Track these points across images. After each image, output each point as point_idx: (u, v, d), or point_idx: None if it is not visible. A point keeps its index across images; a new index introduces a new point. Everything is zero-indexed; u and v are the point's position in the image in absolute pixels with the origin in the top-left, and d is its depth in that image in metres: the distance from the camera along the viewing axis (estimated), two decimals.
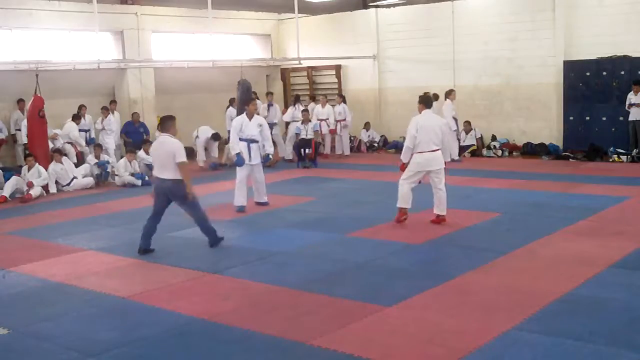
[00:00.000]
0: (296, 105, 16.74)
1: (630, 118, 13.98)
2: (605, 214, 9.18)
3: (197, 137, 15.86)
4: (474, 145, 16.13)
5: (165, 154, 7.82)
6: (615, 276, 6.44)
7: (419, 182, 8.79)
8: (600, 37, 14.59)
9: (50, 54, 15.16)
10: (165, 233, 9.06)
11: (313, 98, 17.82)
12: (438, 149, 8.62)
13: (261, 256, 7.66)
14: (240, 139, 10.22)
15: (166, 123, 8.11)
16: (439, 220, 8.73)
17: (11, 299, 6.57)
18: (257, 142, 10.25)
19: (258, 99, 16.98)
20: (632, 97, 13.86)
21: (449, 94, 15.21)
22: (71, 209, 11.15)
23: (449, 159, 9.77)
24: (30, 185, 12.19)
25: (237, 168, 10.28)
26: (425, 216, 8.93)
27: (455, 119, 15.24)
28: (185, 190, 7.80)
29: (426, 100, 8.84)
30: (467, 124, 16.34)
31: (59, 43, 15.59)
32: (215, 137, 15.92)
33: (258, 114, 11.20)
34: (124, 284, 6.80)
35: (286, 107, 18.27)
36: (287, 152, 16.48)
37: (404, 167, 8.77)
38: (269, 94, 17.17)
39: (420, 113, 8.74)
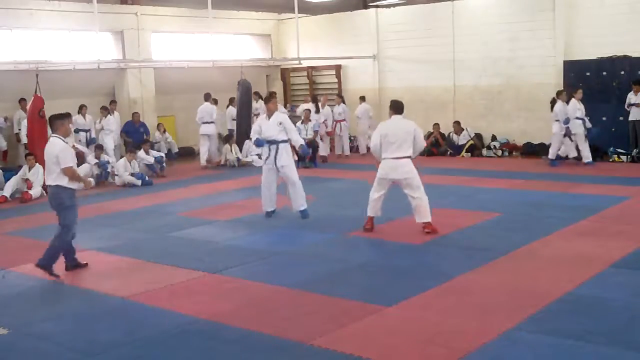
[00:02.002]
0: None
1: (631, 118, 13.97)
2: (605, 214, 9.18)
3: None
4: (470, 141, 16.10)
5: (49, 158, 7.08)
6: (615, 276, 6.45)
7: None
8: (600, 37, 14.58)
9: (50, 54, 15.16)
10: (165, 233, 9.08)
11: (315, 99, 17.78)
12: (404, 157, 8.19)
13: (261, 256, 7.66)
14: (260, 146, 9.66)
15: (54, 123, 7.27)
16: (424, 228, 8.28)
17: (11, 299, 6.57)
18: (278, 142, 9.44)
19: (262, 98, 17.00)
20: (632, 97, 13.85)
21: (560, 94, 13.86)
22: None
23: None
24: (30, 185, 12.18)
25: (264, 172, 9.65)
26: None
27: (582, 118, 13.80)
28: (66, 199, 7.15)
29: (396, 106, 8.41)
30: (457, 124, 16.37)
31: (59, 43, 15.59)
32: (226, 138, 15.91)
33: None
34: (124, 284, 6.80)
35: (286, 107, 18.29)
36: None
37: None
38: (272, 93, 17.16)
39: (390, 117, 8.43)
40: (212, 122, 15.98)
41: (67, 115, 7.61)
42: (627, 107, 13.95)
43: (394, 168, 8.23)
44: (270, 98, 9.97)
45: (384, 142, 8.22)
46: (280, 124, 9.47)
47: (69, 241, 7.32)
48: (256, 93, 16.92)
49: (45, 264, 7.10)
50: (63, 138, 7.22)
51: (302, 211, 9.49)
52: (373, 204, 8.51)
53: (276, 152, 9.39)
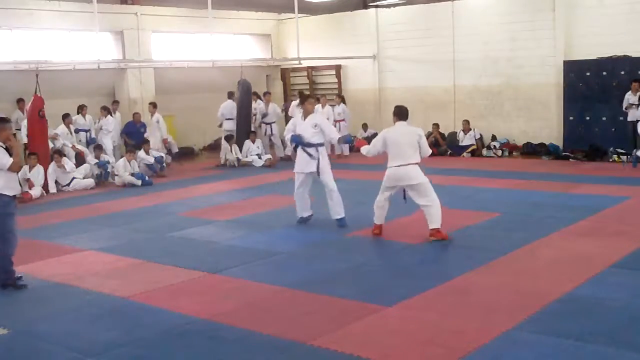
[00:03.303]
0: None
1: (630, 118, 13.94)
2: (605, 214, 9.18)
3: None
4: (473, 145, 16.12)
5: None
6: (615, 276, 6.44)
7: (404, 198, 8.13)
8: (600, 37, 14.58)
9: (50, 54, 15.16)
10: (165, 233, 9.08)
11: (317, 99, 17.75)
12: (410, 164, 7.88)
13: (261, 256, 7.66)
14: (295, 145, 9.17)
15: None
16: (432, 234, 7.94)
17: (11, 299, 6.57)
18: (315, 145, 8.94)
19: (260, 98, 17.01)
20: (630, 97, 13.82)
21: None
22: (71, 209, 11.15)
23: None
24: (31, 185, 12.19)
25: (296, 175, 9.20)
26: (424, 217, 8.91)
27: None
28: (5, 207, 6.67)
29: (400, 112, 8.12)
30: (466, 123, 16.34)
31: (59, 43, 15.59)
32: (227, 138, 15.92)
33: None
34: (124, 284, 6.79)
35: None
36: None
37: (359, 143, 8.80)
38: (267, 93, 17.17)
39: (394, 124, 8.14)
40: (232, 119, 16.26)
41: (7, 121, 7.24)
42: (625, 108, 13.89)
43: (400, 176, 7.94)
44: (305, 98, 9.34)
45: (388, 149, 7.97)
46: (316, 125, 8.98)
47: (5, 254, 6.78)
48: (255, 93, 16.92)
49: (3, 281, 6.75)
50: (2, 144, 6.81)
51: (340, 219, 9.01)
52: (379, 212, 8.28)
53: (312, 156, 8.92)
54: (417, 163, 7.96)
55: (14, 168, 6.78)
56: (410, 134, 8.01)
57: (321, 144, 9.04)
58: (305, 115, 9.09)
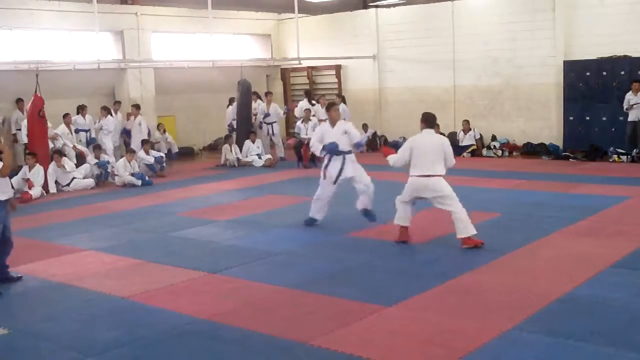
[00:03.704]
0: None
1: (631, 118, 13.95)
2: (605, 214, 9.18)
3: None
4: (473, 145, 16.12)
5: None
6: (615, 276, 6.44)
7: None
8: (600, 37, 14.58)
9: (50, 54, 15.17)
10: (165, 233, 9.08)
11: (308, 94, 17.74)
12: (435, 176, 7.57)
13: (261, 256, 7.66)
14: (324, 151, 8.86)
15: None
16: (465, 243, 7.57)
17: (11, 299, 6.57)
18: (344, 153, 8.72)
19: (260, 98, 17.02)
20: (632, 98, 13.82)
21: None
22: (71, 209, 11.15)
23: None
24: (31, 185, 12.19)
25: (321, 182, 8.91)
26: (424, 216, 8.91)
27: None
28: None
29: (428, 119, 7.80)
30: (466, 123, 16.34)
31: (59, 43, 15.59)
32: (226, 138, 15.92)
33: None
34: (124, 284, 6.79)
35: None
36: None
37: (387, 151, 8.26)
38: (268, 93, 17.17)
39: (421, 131, 7.84)
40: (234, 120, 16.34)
41: None
42: (626, 109, 13.89)
43: (423, 187, 7.60)
44: (331, 105, 9.10)
45: (412, 157, 7.62)
46: (346, 132, 8.72)
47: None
48: (255, 93, 16.93)
49: None
50: None
51: (367, 211, 8.86)
52: (402, 213, 7.89)
53: (343, 164, 8.72)
54: (441, 175, 7.61)
55: (4, 172, 6.78)
56: (436, 142, 7.70)
57: (350, 152, 8.83)
58: (333, 122, 8.86)
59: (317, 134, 9.06)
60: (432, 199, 7.66)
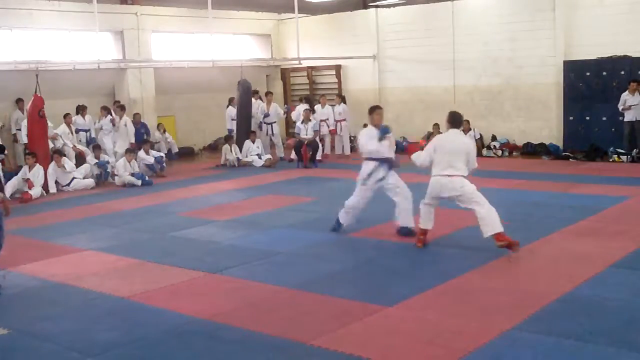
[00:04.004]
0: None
1: (628, 119, 13.93)
2: (605, 214, 9.18)
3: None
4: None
5: None
6: (615, 276, 6.44)
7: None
8: (600, 37, 14.59)
9: (50, 54, 15.17)
10: (165, 233, 9.08)
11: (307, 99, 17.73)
12: (456, 175, 7.35)
13: (261, 256, 7.66)
14: (369, 159, 8.27)
15: None
16: (498, 240, 7.27)
17: (11, 299, 6.56)
18: (387, 159, 8.24)
19: (260, 98, 17.02)
20: (628, 98, 13.81)
21: None
22: (71, 209, 11.15)
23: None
24: (31, 185, 12.19)
25: (358, 187, 8.35)
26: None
27: None
28: None
29: (454, 119, 7.59)
30: (466, 123, 16.32)
31: (59, 43, 15.59)
32: (226, 138, 15.92)
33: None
34: (124, 284, 6.80)
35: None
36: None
37: (412, 148, 7.89)
38: (269, 93, 17.18)
39: (447, 131, 7.64)
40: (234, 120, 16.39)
41: None
42: (622, 109, 13.87)
43: (444, 186, 7.41)
44: (375, 109, 8.56)
45: (435, 156, 7.43)
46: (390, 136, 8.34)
47: None
48: (256, 92, 16.93)
49: None
50: None
51: (405, 229, 8.21)
52: (425, 216, 7.67)
53: (387, 171, 8.21)
54: (463, 176, 7.41)
55: None
56: (461, 142, 7.50)
57: (392, 158, 8.34)
58: (377, 127, 8.29)
59: (366, 139, 8.29)
60: (455, 198, 7.47)
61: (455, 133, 7.59)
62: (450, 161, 7.38)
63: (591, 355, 4.70)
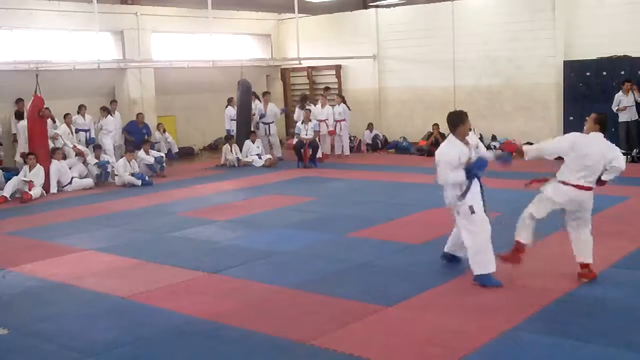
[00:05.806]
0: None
1: (622, 119, 13.89)
2: (605, 214, 9.16)
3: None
4: None
5: None
6: (615, 276, 6.45)
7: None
8: (600, 37, 14.59)
9: (50, 54, 15.16)
10: (165, 233, 9.08)
11: (304, 99, 17.71)
12: (588, 188, 6.42)
13: (261, 256, 7.66)
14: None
15: None
16: (582, 269, 6.45)
17: (11, 299, 6.56)
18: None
19: (258, 99, 17.02)
20: (622, 99, 13.77)
21: None
22: (71, 209, 11.15)
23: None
24: (31, 185, 12.18)
25: (474, 222, 6.65)
26: (425, 216, 8.93)
27: None
28: None
29: (601, 121, 6.45)
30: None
31: (59, 43, 15.59)
32: (226, 138, 15.91)
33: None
34: (124, 284, 6.80)
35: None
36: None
37: (510, 147, 6.97)
38: (266, 93, 17.17)
39: (587, 133, 6.50)
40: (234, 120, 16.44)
41: None
42: (617, 110, 13.82)
43: (573, 198, 6.51)
44: (459, 118, 6.86)
45: (573, 160, 6.46)
46: (477, 147, 6.99)
47: None
48: (253, 93, 16.92)
49: None
50: None
51: (483, 277, 6.41)
52: (524, 226, 6.75)
53: (482, 188, 6.88)
54: (592, 188, 6.48)
55: None
56: (606, 151, 6.37)
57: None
58: (463, 138, 6.79)
59: (456, 153, 6.64)
60: (571, 213, 6.60)
61: (601, 138, 6.47)
62: (591, 171, 6.43)
63: (591, 355, 4.70)
